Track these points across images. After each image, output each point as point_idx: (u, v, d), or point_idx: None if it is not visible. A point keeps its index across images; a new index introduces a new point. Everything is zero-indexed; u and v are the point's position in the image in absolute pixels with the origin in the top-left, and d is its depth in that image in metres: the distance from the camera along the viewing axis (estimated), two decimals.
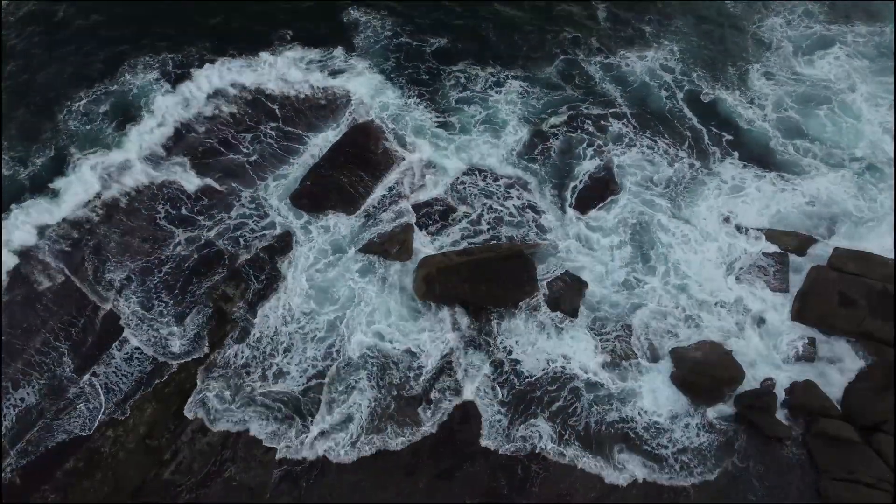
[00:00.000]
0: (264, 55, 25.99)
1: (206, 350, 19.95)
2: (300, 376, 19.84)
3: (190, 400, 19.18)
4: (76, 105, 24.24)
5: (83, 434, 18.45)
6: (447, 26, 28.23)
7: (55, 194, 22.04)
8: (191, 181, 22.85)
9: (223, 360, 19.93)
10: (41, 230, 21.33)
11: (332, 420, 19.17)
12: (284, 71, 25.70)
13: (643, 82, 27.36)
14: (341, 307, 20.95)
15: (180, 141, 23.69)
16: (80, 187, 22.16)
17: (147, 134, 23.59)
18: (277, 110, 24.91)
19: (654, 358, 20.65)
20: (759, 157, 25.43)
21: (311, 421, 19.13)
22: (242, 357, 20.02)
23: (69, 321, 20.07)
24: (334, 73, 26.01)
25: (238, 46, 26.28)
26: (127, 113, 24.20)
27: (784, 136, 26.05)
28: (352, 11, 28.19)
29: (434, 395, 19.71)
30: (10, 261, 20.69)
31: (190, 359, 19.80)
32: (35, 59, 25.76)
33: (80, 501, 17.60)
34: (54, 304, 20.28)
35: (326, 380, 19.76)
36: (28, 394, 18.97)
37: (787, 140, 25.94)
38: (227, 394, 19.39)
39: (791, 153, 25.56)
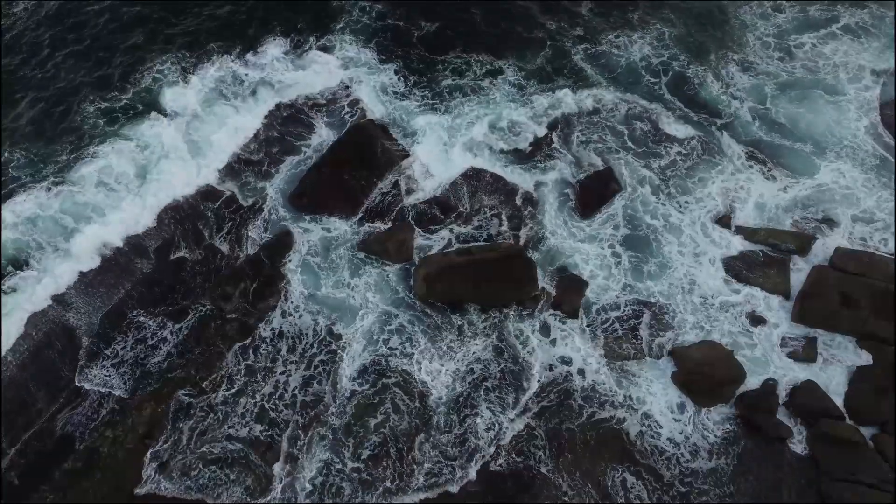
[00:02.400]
0: (264, 51, 26.10)
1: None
2: (289, 412, 18.96)
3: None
4: (86, 105, 24.25)
5: (82, 434, 18.40)
6: (435, 14, 28.12)
7: (66, 190, 22.07)
8: (191, 181, 22.79)
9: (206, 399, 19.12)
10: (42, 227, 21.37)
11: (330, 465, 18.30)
12: (283, 67, 25.71)
13: (632, 69, 27.05)
14: (341, 310, 20.83)
15: (181, 142, 23.55)
16: (90, 185, 22.23)
17: (148, 135, 23.52)
18: (277, 108, 24.85)
19: (655, 358, 20.55)
20: (755, 149, 25.01)
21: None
22: (226, 392, 19.17)
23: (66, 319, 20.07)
24: (330, 67, 25.97)
25: (240, 44, 26.36)
26: (133, 114, 24.17)
27: (780, 128, 25.68)
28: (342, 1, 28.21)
29: (450, 417, 19.10)
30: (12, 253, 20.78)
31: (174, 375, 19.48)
32: (49, 59, 25.90)
33: (80, 502, 17.53)
34: None
35: (326, 409, 19.09)
36: (26, 391, 18.93)
37: (785, 132, 25.58)
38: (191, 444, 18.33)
39: (789, 146, 25.17)
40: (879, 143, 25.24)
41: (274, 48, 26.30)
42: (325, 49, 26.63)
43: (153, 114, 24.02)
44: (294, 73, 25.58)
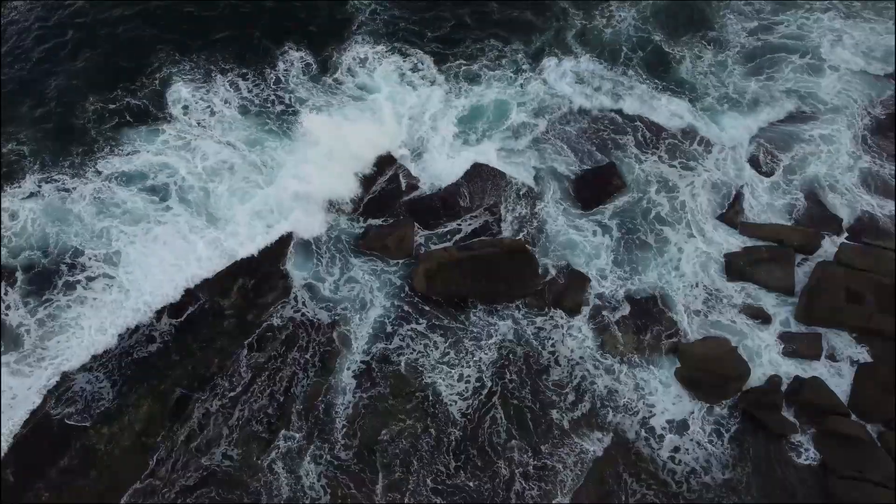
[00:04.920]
0: (289, 61, 25.73)
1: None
2: (289, 416, 18.37)
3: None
4: (97, 108, 23.84)
5: (78, 430, 18.09)
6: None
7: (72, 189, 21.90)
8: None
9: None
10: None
11: None
12: (296, 73, 25.45)
13: (616, 49, 26.91)
14: (342, 307, 20.56)
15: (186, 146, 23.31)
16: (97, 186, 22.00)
17: (156, 141, 23.25)
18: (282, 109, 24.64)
19: (659, 354, 20.34)
20: (745, 128, 24.79)
21: None
22: (225, 392, 18.72)
23: None
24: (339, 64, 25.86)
25: (248, 53, 25.95)
26: (142, 121, 23.85)
27: (769, 103, 25.50)
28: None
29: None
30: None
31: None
32: (57, 62, 25.51)
33: (76, 500, 17.26)
34: None
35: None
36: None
37: (772, 104, 25.45)
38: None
39: (778, 120, 25.06)
40: (869, 111, 25.21)
41: (298, 61, 25.63)
42: (330, 47, 26.21)
43: (156, 126, 23.57)
44: (299, 79, 25.15)
